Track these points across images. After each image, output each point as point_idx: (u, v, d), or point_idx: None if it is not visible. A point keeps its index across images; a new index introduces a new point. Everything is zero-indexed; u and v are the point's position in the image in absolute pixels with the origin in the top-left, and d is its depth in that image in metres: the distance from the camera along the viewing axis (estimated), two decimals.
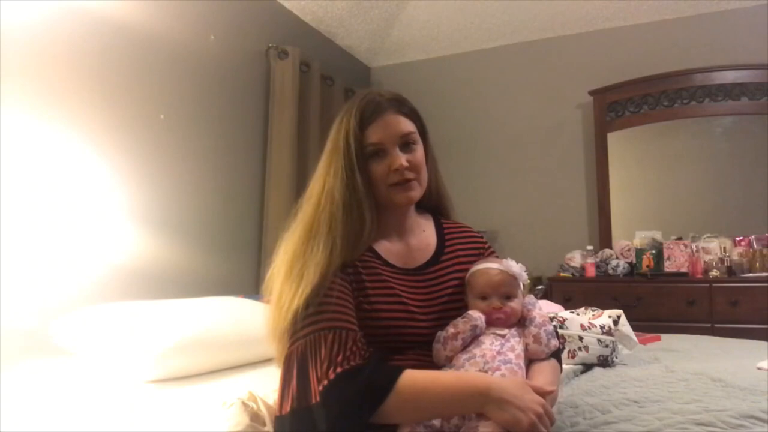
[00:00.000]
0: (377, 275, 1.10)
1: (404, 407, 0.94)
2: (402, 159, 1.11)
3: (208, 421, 1.23)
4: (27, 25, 1.90)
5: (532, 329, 1.09)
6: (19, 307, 1.80)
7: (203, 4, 2.66)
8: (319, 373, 0.95)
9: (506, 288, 1.11)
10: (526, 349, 1.08)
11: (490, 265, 1.14)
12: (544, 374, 1.05)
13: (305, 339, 1.00)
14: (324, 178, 1.12)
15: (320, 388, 0.94)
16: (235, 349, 1.67)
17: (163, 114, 2.43)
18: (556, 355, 1.14)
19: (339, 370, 0.94)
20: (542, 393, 0.95)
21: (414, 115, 1.18)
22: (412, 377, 0.95)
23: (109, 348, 1.56)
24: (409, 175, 1.12)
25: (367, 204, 1.09)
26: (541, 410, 0.91)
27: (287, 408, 1.03)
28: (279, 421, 1.07)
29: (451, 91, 3.93)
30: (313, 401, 0.96)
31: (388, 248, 1.16)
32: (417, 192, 1.15)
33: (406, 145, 1.13)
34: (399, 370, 0.96)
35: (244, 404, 1.20)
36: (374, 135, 1.11)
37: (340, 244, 1.06)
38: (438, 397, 0.94)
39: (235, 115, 2.87)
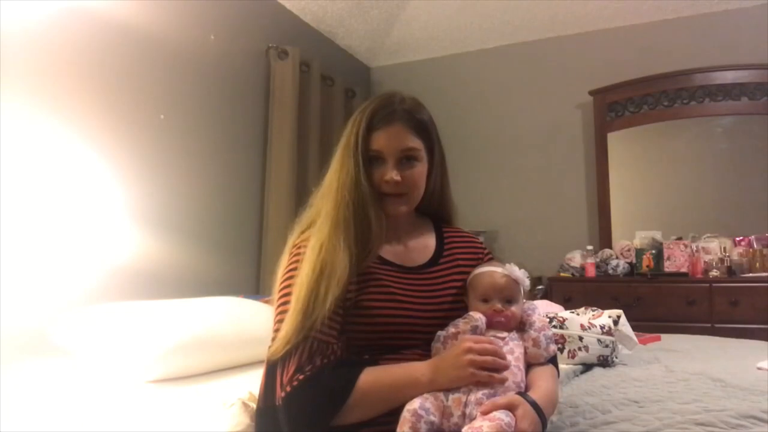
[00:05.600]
0: (371, 273, 1.10)
1: (362, 404, 0.96)
2: (393, 173, 1.10)
3: (208, 421, 1.23)
4: (27, 26, 1.90)
5: (532, 333, 1.10)
6: (19, 307, 1.80)
7: (203, 4, 2.66)
8: (284, 379, 0.98)
9: (508, 292, 1.11)
10: (525, 353, 1.08)
11: (494, 269, 1.14)
12: (543, 379, 1.06)
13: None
14: (338, 174, 1.12)
15: (282, 394, 0.97)
16: (235, 349, 1.67)
17: (163, 114, 2.43)
18: (553, 360, 1.14)
19: (301, 377, 0.96)
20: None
21: (424, 131, 1.15)
22: (368, 374, 0.98)
23: (109, 348, 1.56)
24: (403, 189, 1.12)
25: (372, 202, 1.09)
26: (469, 357, 0.96)
27: (260, 403, 1.08)
28: (257, 413, 1.12)
29: (451, 91, 3.93)
30: (278, 404, 0.99)
31: (385, 247, 1.16)
32: (406, 208, 1.16)
33: (406, 159, 1.12)
34: (357, 371, 0.98)
35: (244, 404, 1.20)
36: (377, 142, 1.11)
37: (355, 248, 1.05)
38: (389, 385, 0.98)
39: (235, 115, 2.87)
